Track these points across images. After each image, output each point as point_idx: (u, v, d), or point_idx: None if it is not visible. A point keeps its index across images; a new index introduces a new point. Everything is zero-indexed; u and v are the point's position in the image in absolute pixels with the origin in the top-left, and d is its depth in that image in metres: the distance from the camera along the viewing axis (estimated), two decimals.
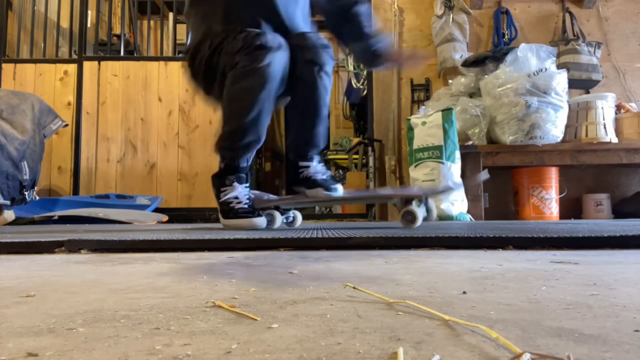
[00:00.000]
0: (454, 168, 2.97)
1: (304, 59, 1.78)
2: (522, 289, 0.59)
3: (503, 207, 3.64)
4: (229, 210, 1.78)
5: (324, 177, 1.90)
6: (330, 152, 6.18)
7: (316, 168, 1.92)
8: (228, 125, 1.76)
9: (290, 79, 1.80)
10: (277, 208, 1.89)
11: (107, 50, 4.17)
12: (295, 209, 2.03)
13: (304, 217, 4.21)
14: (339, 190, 1.86)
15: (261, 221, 1.77)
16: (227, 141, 1.78)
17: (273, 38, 1.69)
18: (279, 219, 1.88)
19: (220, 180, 1.81)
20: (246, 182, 1.83)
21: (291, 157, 1.93)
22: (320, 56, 1.80)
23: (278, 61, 1.68)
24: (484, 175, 1.68)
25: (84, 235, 1.32)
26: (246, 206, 1.78)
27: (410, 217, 1.64)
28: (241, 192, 1.79)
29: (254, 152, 1.87)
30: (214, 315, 0.45)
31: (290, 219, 2.03)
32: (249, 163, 1.85)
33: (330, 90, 1.88)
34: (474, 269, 0.76)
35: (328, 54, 1.82)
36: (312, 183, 1.85)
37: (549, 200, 3.32)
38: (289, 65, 1.75)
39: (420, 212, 1.65)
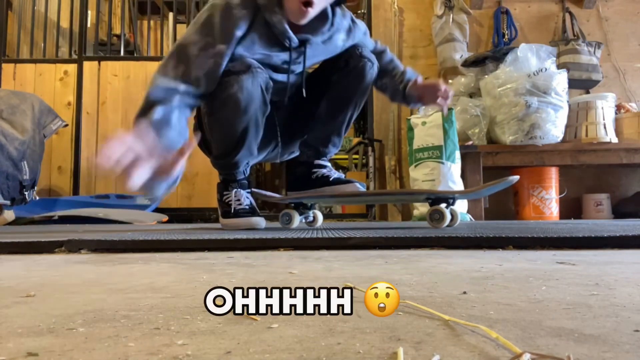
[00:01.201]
0: (454, 168, 2.97)
1: (360, 54, 1.79)
2: (522, 289, 0.59)
3: (503, 207, 3.64)
4: (228, 211, 1.79)
5: (342, 175, 1.93)
6: None
7: (331, 168, 1.93)
8: (216, 150, 1.77)
9: (338, 71, 1.80)
10: (295, 208, 1.88)
11: (107, 50, 4.17)
12: (312, 207, 1.99)
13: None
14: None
15: (260, 221, 1.78)
16: (218, 161, 1.79)
17: (241, 62, 1.61)
18: (297, 218, 1.87)
19: (224, 186, 1.83)
20: (248, 188, 1.84)
21: (308, 155, 1.91)
22: (373, 57, 1.83)
23: (250, 84, 1.60)
24: (514, 178, 1.68)
25: (84, 235, 1.32)
26: (247, 207, 1.79)
27: (438, 216, 1.63)
28: (242, 195, 1.80)
29: (252, 164, 1.87)
30: (214, 315, 0.45)
31: (310, 218, 2.00)
32: (248, 173, 1.85)
33: None
34: (474, 269, 0.76)
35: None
36: (334, 181, 1.85)
37: (549, 200, 3.32)
38: (268, 84, 1.67)
39: (448, 213, 1.64)
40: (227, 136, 1.70)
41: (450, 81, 3.69)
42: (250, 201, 1.82)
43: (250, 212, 1.79)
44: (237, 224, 1.76)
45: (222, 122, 1.68)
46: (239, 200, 1.78)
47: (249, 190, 1.84)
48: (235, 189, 1.79)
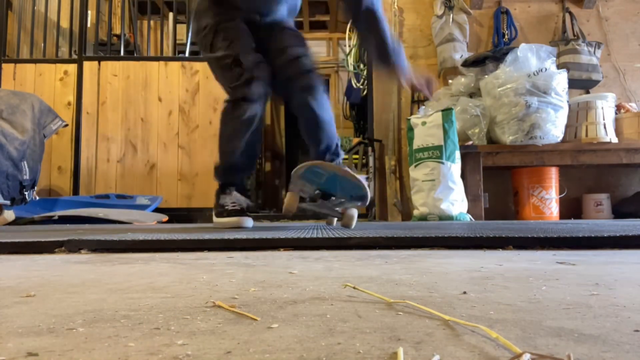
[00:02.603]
0: (454, 168, 2.97)
1: (297, 87, 1.90)
2: (522, 289, 0.59)
3: (503, 207, 3.64)
4: (222, 211, 1.94)
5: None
6: None
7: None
8: (219, 160, 1.96)
9: (293, 108, 1.95)
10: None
11: (107, 50, 4.17)
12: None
13: (304, 218, 4.19)
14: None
15: (245, 220, 1.90)
16: (219, 172, 1.98)
17: (255, 90, 1.81)
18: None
19: (221, 190, 1.98)
20: (243, 191, 2.00)
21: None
22: (309, 81, 1.90)
23: (256, 110, 1.83)
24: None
25: (84, 235, 1.32)
26: (239, 207, 1.93)
27: None
28: (238, 197, 1.95)
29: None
30: (214, 315, 0.45)
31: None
32: (244, 182, 2.05)
33: (328, 103, 1.98)
34: (474, 269, 0.76)
35: (316, 76, 1.94)
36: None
37: (549, 200, 3.32)
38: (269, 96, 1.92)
39: None
40: (229, 152, 1.90)
41: (450, 81, 3.69)
42: (241, 203, 1.95)
43: (241, 211, 1.93)
44: (224, 222, 1.91)
45: (228, 137, 1.88)
46: (233, 202, 1.93)
47: (245, 196, 1.99)
48: (231, 192, 1.95)
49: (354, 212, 1.80)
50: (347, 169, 1.75)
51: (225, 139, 1.91)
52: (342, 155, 2.04)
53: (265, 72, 1.86)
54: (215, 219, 1.97)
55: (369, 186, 1.86)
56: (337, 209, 1.86)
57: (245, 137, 1.87)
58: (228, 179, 1.98)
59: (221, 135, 1.93)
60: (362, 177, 1.75)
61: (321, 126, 1.93)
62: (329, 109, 1.98)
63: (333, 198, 1.82)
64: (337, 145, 1.99)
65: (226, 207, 1.92)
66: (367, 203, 1.82)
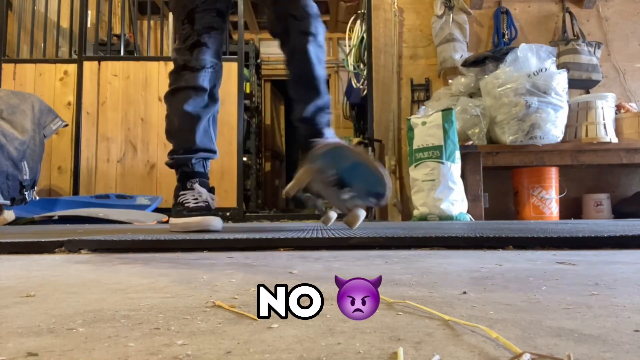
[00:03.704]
0: (454, 168, 2.97)
1: (297, 30, 1.64)
2: (522, 289, 0.59)
3: (503, 207, 3.64)
4: (181, 210, 1.63)
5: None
6: None
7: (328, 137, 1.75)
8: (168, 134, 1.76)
9: (285, 50, 1.70)
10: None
11: (107, 50, 4.17)
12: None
13: (304, 217, 4.18)
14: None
15: (212, 220, 1.59)
16: (171, 152, 1.75)
17: (200, 57, 1.64)
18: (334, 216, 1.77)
19: (181, 185, 1.71)
20: (209, 188, 1.71)
21: (302, 134, 1.71)
22: (312, 26, 1.65)
23: (199, 80, 1.65)
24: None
25: (84, 235, 1.32)
26: (203, 204, 1.62)
27: None
28: (201, 192, 1.66)
29: (208, 159, 1.75)
30: (214, 315, 0.45)
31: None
32: (207, 169, 1.76)
33: (324, 61, 1.72)
34: (474, 269, 0.76)
35: (320, 23, 1.70)
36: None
37: (549, 200, 3.32)
38: (218, 78, 1.73)
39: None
40: (175, 125, 1.69)
41: (450, 81, 3.69)
42: (205, 200, 1.65)
43: (204, 209, 1.62)
44: (184, 224, 1.59)
45: (171, 107, 1.70)
46: (195, 198, 1.63)
47: (211, 194, 1.71)
48: (193, 186, 1.67)
49: (362, 214, 1.57)
50: (372, 157, 1.44)
51: (171, 109, 1.70)
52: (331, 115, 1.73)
53: (215, 42, 1.67)
54: (172, 220, 1.66)
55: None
56: (347, 204, 1.58)
57: (192, 109, 1.64)
58: (179, 159, 1.70)
59: (168, 103, 1.71)
60: (385, 171, 1.46)
61: (313, 82, 1.65)
62: (323, 64, 1.70)
63: (347, 189, 1.53)
64: (328, 107, 1.69)
65: (186, 205, 1.61)
66: (383, 203, 1.56)
